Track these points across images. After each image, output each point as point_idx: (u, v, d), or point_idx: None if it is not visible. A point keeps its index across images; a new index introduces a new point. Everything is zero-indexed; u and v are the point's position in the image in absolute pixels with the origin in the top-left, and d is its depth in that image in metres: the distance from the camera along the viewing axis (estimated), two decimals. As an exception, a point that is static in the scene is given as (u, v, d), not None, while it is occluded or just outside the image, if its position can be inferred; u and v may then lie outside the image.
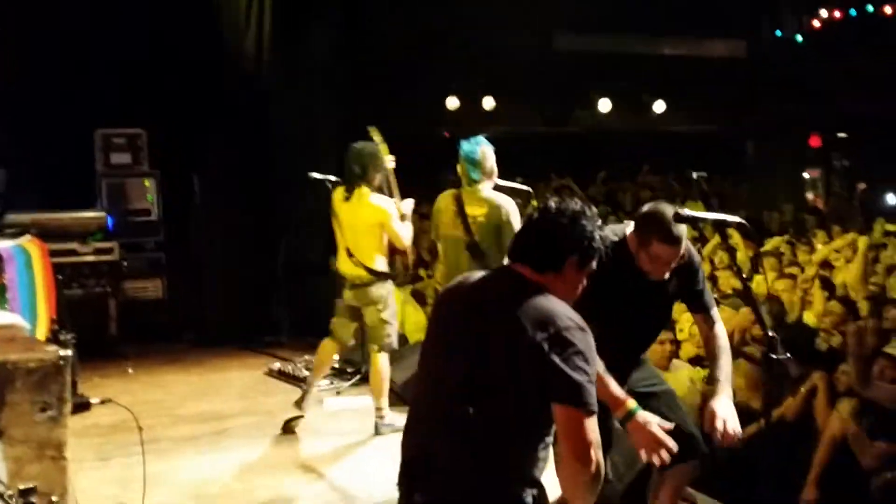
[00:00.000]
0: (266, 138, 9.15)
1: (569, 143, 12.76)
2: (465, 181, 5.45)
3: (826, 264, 7.70)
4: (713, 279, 7.70)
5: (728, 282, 7.29)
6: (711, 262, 8.59)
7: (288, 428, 6.10)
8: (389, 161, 5.78)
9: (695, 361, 5.70)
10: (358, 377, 7.51)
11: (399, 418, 5.96)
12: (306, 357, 7.72)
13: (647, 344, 3.85)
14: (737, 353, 5.36)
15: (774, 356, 2.98)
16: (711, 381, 3.54)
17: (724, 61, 13.78)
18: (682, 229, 3.26)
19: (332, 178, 6.14)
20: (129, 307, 9.15)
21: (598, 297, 2.74)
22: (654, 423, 3.03)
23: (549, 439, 2.34)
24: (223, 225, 9.29)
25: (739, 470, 4.27)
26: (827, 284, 6.70)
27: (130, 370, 8.00)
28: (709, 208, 3.66)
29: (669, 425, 3.07)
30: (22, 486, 2.45)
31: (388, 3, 10.69)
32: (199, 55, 8.99)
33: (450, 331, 2.46)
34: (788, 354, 3.24)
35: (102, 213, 9.07)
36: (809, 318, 6.13)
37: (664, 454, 3.01)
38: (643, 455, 3.08)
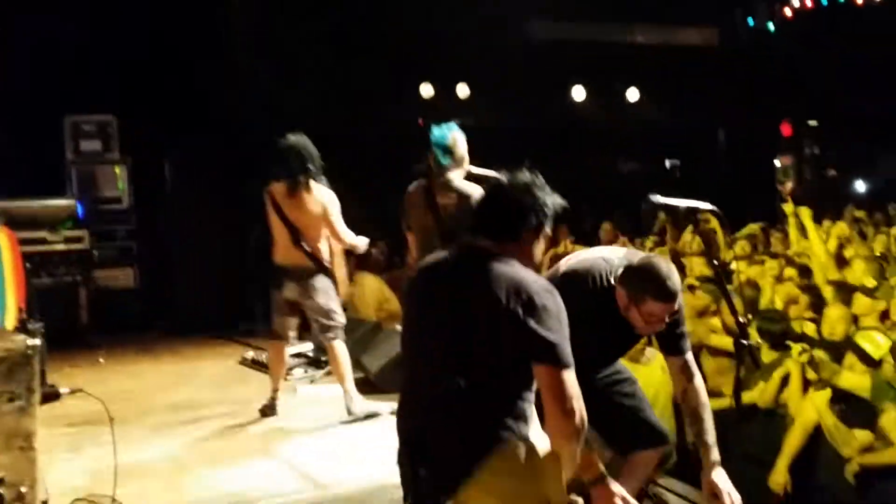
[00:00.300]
0: (238, 126, 9.09)
1: (543, 132, 12.75)
2: (434, 168, 5.40)
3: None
4: (681, 267, 7.74)
5: (699, 269, 7.33)
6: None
7: (265, 410, 6.11)
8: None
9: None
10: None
11: (371, 404, 5.98)
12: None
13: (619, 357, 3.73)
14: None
15: (745, 342, 3.00)
16: (700, 444, 3.29)
17: (696, 50, 13.84)
18: (678, 281, 3.13)
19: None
20: (100, 296, 9.08)
21: (581, 328, 2.80)
22: (621, 493, 3.02)
23: (532, 395, 2.48)
24: (195, 213, 9.22)
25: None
26: (798, 271, 6.76)
27: (102, 360, 7.94)
28: (682, 196, 3.72)
29: (633, 502, 3.05)
30: (-11, 478, 2.42)
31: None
32: (170, 42, 8.91)
33: (429, 311, 2.58)
34: (759, 341, 3.27)
35: (72, 202, 8.98)
36: (779, 304, 6.16)
37: None
38: None
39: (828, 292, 5.90)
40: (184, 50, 9.00)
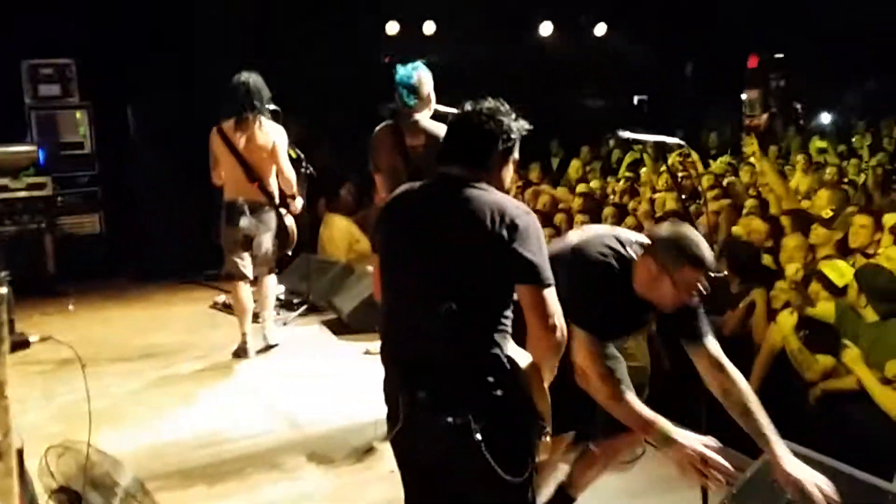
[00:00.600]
0: (201, 65, 8.92)
1: (510, 68, 12.63)
2: (401, 108, 5.33)
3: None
4: (650, 201, 7.80)
5: (666, 203, 7.38)
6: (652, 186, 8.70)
7: (238, 353, 6.14)
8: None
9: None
10: (304, 307, 7.52)
11: (278, 334, 6.41)
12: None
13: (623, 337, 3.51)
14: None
15: (712, 273, 3.03)
16: (761, 441, 2.92)
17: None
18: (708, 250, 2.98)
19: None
20: (66, 243, 8.98)
21: (592, 301, 2.89)
22: (698, 450, 2.81)
23: (510, 312, 2.57)
24: (159, 156, 9.09)
25: (677, 388, 4.35)
26: (759, 203, 6.83)
27: (71, 307, 7.88)
28: (650, 130, 3.71)
29: (714, 444, 2.84)
30: (-38, 426, 2.41)
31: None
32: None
33: (410, 240, 2.62)
34: (725, 272, 3.30)
35: (33, 147, 8.81)
36: (740, 231, 6.22)
37: (716, 474, 2.78)
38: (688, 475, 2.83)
39: (786, 222, 5.97)
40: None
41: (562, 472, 3.55)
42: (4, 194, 8.42)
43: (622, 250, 3.06)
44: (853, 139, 11.07)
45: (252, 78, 5.99)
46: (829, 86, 14.00)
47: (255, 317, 6.38)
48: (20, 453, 3.13)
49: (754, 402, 2.97)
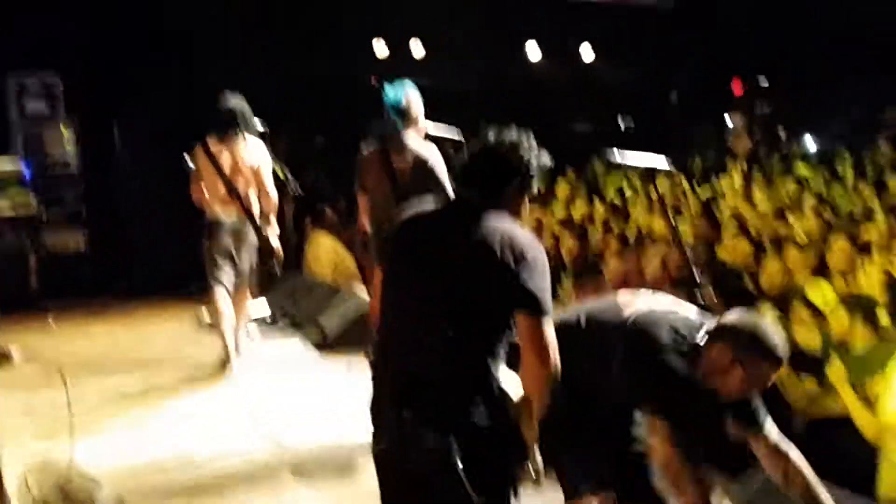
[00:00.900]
0: (188, 82, 8.92)
1: (497, 92, 12.71)
2: (390, 130, 5.29)
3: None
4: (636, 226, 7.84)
5: (652, 224, 7.43)
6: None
7: (221, 369, 6.13)
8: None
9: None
10: (278, 324, 7.53)
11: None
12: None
13: None
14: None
15: (703, 302, 3.04)
16: None
17: (652, 8, 13.84)
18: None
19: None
20: (50, 261, 8.93)
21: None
22: None
23: (505, 336, 2.59)
24: (146, 173, 9.06)
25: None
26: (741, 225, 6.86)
27: (52, 322, 7.82)
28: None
29: None
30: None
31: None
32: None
33: (416, 260, 2.64)
34: (714, 299, 3.32)
35: (19, 165, 8.79)
36: (724, 255, 6.26)
37: None
38: None
39: (768, 245, 6.02)
40: (132, 7, 8.77)
41: None
42: (-11, 211, 8.39)
43: (690, 335, 2.91)
44: (837, 166, 11.16)
45: (239, 104, 6.14)
46: (814, 111, 14.15)
47: None
48: (-1, 472, 3.11)
49: (817, 485, 2.92)
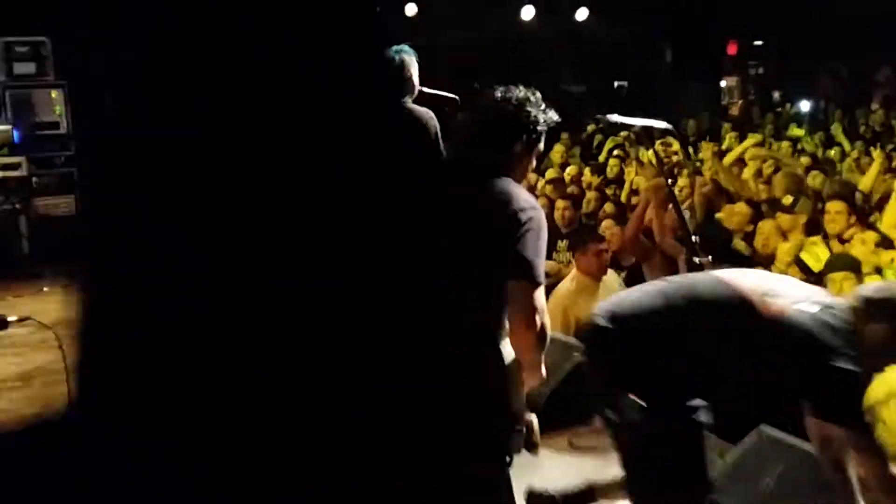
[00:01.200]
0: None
1: (491, 51, 12.60)
2: None
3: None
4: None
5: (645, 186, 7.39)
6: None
7: None
8: None
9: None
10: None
11: None
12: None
13: None
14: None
15: (697, 259, 3.04)
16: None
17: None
18: None
19: None
20: (41, 225, 8.86)
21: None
22: None
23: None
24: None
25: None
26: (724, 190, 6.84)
27: (45, 288, 7.79)
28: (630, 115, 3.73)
29: None
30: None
31: None
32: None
33: None
34: (710, 258, 3.32)
35: (8, 127, 8.69)
36: (722, 217, 6.25)
37: None
38: None
39: (765, 207, 6.02)
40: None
41: None
42: (-22, 174, 8.31)
43: (843, 326, 2.69)
44: (831, 127, 11.15)
45: None
46: (808, 73, 14.10)
47: None
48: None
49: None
